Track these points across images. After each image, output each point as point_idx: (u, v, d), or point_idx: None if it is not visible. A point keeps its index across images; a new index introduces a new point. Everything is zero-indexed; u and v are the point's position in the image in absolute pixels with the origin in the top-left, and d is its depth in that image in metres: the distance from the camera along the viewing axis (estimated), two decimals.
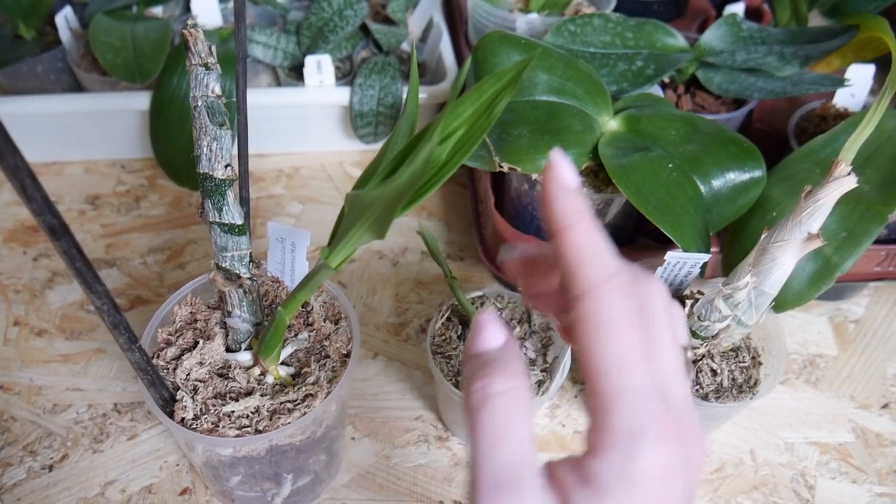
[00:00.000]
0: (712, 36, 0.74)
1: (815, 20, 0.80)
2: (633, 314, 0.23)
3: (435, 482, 0.54)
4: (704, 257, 0.52)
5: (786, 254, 0.46)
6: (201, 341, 0.45)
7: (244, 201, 0.45)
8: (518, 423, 0.23)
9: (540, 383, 0.51)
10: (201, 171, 0.40)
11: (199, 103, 0.38)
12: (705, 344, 0.52)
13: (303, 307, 0.49)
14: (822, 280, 0.55)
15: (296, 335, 0.48)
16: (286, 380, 0.46)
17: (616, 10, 0.82)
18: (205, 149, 0.39)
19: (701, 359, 0.53)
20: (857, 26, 0.72)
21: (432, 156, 0.33)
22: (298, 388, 0.44)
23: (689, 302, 0.53)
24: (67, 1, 0.80)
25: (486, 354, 0.26)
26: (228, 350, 0.46)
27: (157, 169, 0.78)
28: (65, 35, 0.78)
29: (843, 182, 0.44)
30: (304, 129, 0.80)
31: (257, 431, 0.42)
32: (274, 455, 0.45)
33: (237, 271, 0.43)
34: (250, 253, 0.44)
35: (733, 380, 0.52)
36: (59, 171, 0.78)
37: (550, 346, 0.54)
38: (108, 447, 0.55)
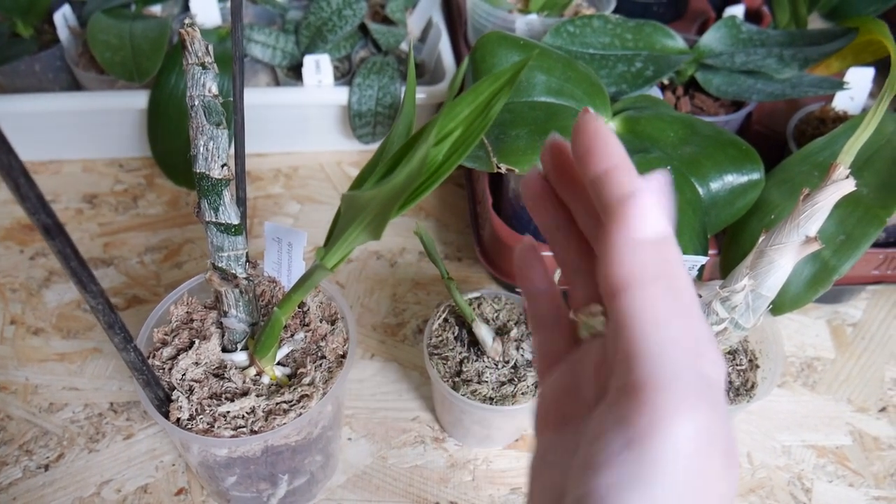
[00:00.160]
0: (712, 38, 0.74)
1: (815, 23, 0.80)
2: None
3: (431, 483, 0.54)
4: (702, 260, 0.52)
5: (783, 257, 0.46)
6: (197, 341, 0.45)
7: (241, 201, 0.45)
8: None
9: (537, 385, 0.51)
10: (198, 171, 0.40)
11: (196, 103, 0.38)
12: None
13: (299, 307, 0.49)
14: (819, 283, 0.55)
15: (292, 335, 0.47)
16: (282, 380, 0.45)
17: (615, 11, 0.82)
18: (201, 148, 0.39)
19: None
20: (856, 29, 0.72)
21: (429, 157, 0.33)
22: (294, 389, 0.44)
23: None
24: None
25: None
26: (224, 350, 0.46)
27: (154, 168, 0.78)
28: (63, 33, 0.78)
29: (842, 185, 0.44)
30: (303, 128, 0.80)
31: (253, 432, 0.42)
32: (270, 455, 0.45)
33: (233, 271, 0.43)
34: (247, 253, 0.44)
35: (730, 383, 0.52)
36: (57, 170, 0.78)
37: None
38: (103, 447, 0.55)
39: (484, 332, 0.52)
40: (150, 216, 0.73)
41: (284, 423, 0.42)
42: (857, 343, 0.66)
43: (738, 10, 0.83)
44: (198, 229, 0.72)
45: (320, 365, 0.46)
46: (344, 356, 0.47)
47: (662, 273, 0.20)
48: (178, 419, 0.42)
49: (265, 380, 0.45)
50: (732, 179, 0.57)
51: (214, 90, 0.39)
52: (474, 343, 0.54)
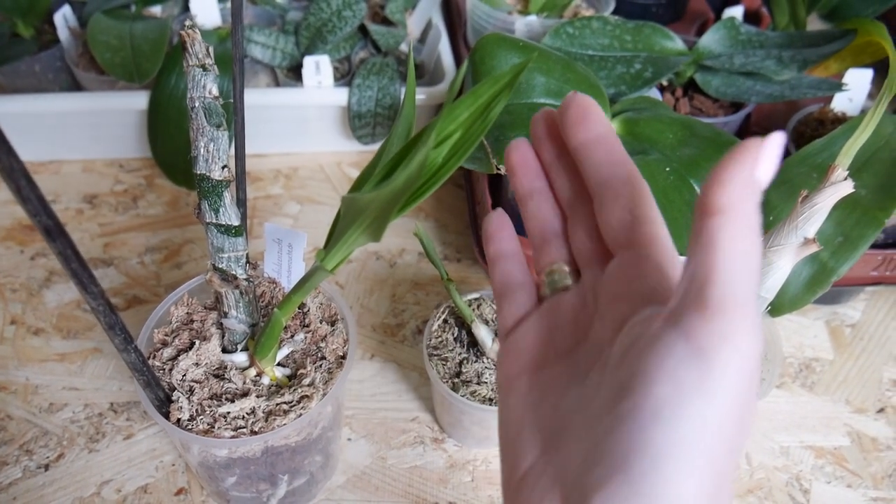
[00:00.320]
0: (711, 39, 0.74)
1: (814, 24, 0.80)
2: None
3: (430, 484, 0.54)
4: None
5: (782, 258, 0.46)
6: (197, 342, 0.45)
7: (241, 202, 0.46)
8: None
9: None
10: (198, 172, 0.40)
11: (197, 104, 0.38)
12: None
13: (299, 308, 0.49)
14: (818, 284, 0.55)
15: (292, 336, 0.48)
16: (282, 381, 0.46)
17: (615, 12, 0.82)
18: (202, 150, 0.39)
19: None
20: (855, 30, 0.72)
21: (428, 159, 0.33)
22: (294, 390, 0.44)
23: None
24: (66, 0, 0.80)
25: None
26: (225, 351, 0.47)
27: (154, 168, 0.78)
28: (63, 34, 0.78)
29: (840, 187, 0.44)
30: (303, 129, 0.80)
31: (253, 433, 0.42)
32: (269, 456, 0.45)
33: (234, 272, 0.43)
34: (247, 254, 0.44)
35: None
36: (57, 170, 0.78)
37: None
38: (103, 447, 0.55)
39: (483, 334, 0.52)
40: (150, 216, 0.73)
41: (284, 424, 0.42)
42: (856, 344, 0.66)
43: (736, 12, 0.84)
44: (198, 230, 0.72)
45: (320, 366, 0.46)
46: (344, 357, 0.47)
47: (754, 214, 0.22)
48: (179, 420, 0.42)
49: (265, 380, 0.45)
50: None
51: (215, 92, 0.39)
52: (474, 344, 0.54)
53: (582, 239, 0.30)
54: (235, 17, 0.42)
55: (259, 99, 0.75)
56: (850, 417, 0.61)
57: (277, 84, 0.83)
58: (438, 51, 0.82)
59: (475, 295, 0.57)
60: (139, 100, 0.73)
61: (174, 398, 0.42)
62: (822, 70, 0.79)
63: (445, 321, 0.55)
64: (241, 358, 0.46)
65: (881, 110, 0.44)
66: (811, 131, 0.71)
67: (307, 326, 0.48)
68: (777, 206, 0.59)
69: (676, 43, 0.73)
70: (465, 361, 0.53)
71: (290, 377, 0.46)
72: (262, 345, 0.43)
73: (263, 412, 0.43)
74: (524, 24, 0.77)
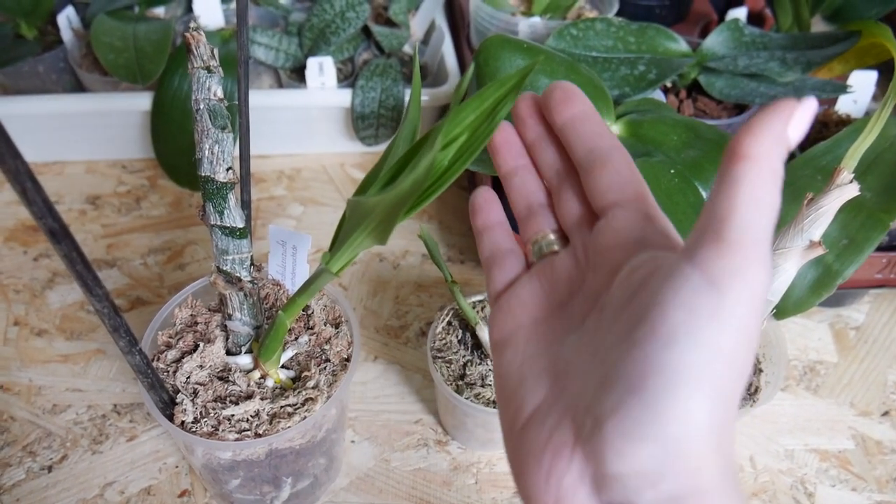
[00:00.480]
0: (714, 41, 0.74)
1: (817, 26, 0.80)
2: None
3: (434, 486, 0.54)
4: None
5: (787, 261, 0.46)
6: (202, 344, 0.45)
7: (245, 204, 0.45)
8: None
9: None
10: (203, 174, 0.40)
11: (201, 106, 0.38)
12: None
13: (303, 310, 0.49)
14: (823, 287, 0.55)
15: (296, 339, 0.48)
16: (286, 383, 0.46)
17: (618, 14, 0.82)
18: (206, 152, 0.39)
19: None
20: (859, 32, 0.72)
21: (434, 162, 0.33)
22: (299, 392, 0.44)
23: None
24: (69, 1, 0.80)
25: None
26: (229, 353, 0.46)
27: (157, 169, 0.78)
28: (66, 35, 0.78)
29: (846, 190, 0.44)
30: (306, 130, 0.80)
31: (257, 435, 0.42)
32: (273, 459, 0.45)
33: (238, 274, 0.43)
34: (251, 256, 0.44)
35: None
36: (60, 171, 0.78)
37: None
38: (107, 448, 0.55)
39: (488, 336, 0.52)
40: (153, 217, 0.73)
41: (289, 427, 0.42)
42: (860, 347, 0.66)
43: (740, 13, 0.84)
44: (201, 231, 0.72)
45: (324, 368, 0.46)
46: (348, 359, 0.47)
47: (779, 166, 0.24)
48: (183, 422, 0.42)
49: (269, 383, 0.45)
50: None
51: (219, 94, 0.39)
52: (478, 346, 0.54)
53: (569, 207, 0.32)
54: (241, 19, 0.42)
55: (262, 100, 0.75)
56: (855, 420, 0.60)
57: (280, 85, 0.83)
58: (442, 52, 0.82)
59: (479, 297, 0.56)
60: (142, 101, 0.73)
61: (178, 400, 0.42)
62: (826, 72, 0.79)
63: (449, 323, 0.55)
64: (245, 360, 0.46)
65: (887, 112, 0.44)
66: (815, 133, 0.71)
67: (311, 329, 0.48)
68: (781, 208, 0.58)
69: (680, 44, 0.73)
70: (469, 364, 0.53)
71: (294, 379, 0.46)
72: (267, 347, 0.43)
73: (268, 415, 0.43)
74: (528, 26, 0.77)
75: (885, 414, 0.61)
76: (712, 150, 0.58)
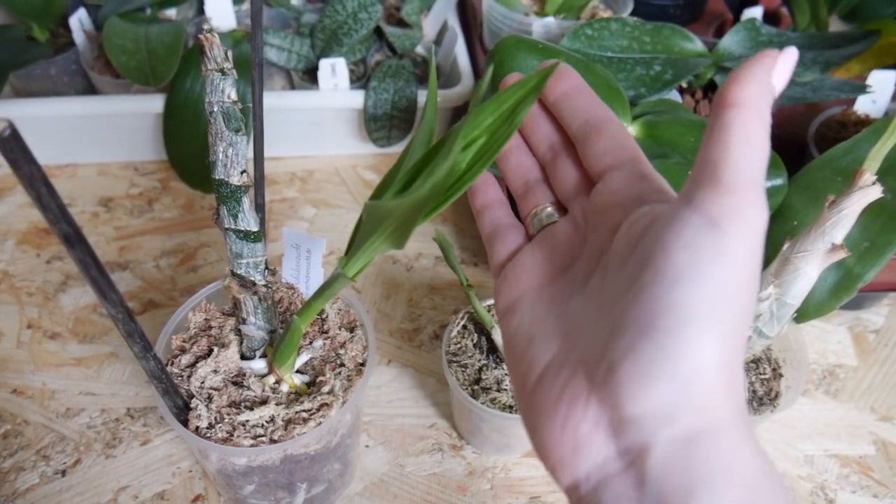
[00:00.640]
0: (730, 41, 0.73)
1: (835, 25, 0.79)
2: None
3: (449, 491, 0.54)
4: None
5: (809, 264, 0.45)
6: (216, 349, 0.45)
7: (259, 207, 0.45)
8: None
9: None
10: (217, 177, 0.39)
11: (215, 109, 0.38)
12: None
13: (318, 314, 0.49)
14: (843, 291, 0.54)
15: (311, 343, 0.47)
16: (301, 388, 0.45)
17: (633, 13, 0.81)
18: (220, 154, 0.39)
19: None
20: (878, 31, 0.71)
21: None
22: (314, 398, 0.43)
23: None
24: (81, 3, 0.80)
25: None
26: (243, 358, 0.46)
27: (170, 171, 0.78)
28: (78, 37, 0.78)
29: (868, 192, 0.43)
30: (318, 132, 0.79)
31: (272, 441, 0.41)
32: (288, 464, 0.44)
33: (252, 278, 0.43)
34: (266, 259, 0.43)
35: (754, 392, 0.52)
36: (73, 174, 0.78)
37: None
38: (120, 452, 0.55)
39: (501, 339, 0.51)
40: (165, 220, 0.73)
41: (304, 433, 0.41)
42: (880, 350, 0.65)
43: (756, 12, 0.83)
44: (213, 233, 0.72)
45: (339, 373, 0.46)
46: (363, 364, 0.46)
47: (766, 111, 0.24)
48: (198, 428, 0.41)
49: (284, 388, 0.45)
50: None
51: (233, 96, 0.38)
52: (493, 350, 0.53)
53: (565, 177, 0.33)
54: (255, 21, 0.41)
55: (274, 102, 0.75)
56: (876, 425, 0.59)
57: (292, 87, 0.83)
58: (455, 53, 0.82)
59: (493, 301, 0.56)
60: (154, 103, 0.73)
61: (192, 406, 0.42)
62: (844, 72, 0.78)
63: (465, 327, 0.55)
64: (259, 365, 0.45)
65: None
66: (833, 134, 0.70)
67: (326, 333, 0.48)
68: (800, 210, 0.58)
69: (696, 44, 0.72)
70: (484, 368, 0.52)
71: (309, 384, 0.46)
72: (281, 352, 0.43)
73: (283, 420, 0.42)
74: (541, 26, 0.76)
75: None
76: None
